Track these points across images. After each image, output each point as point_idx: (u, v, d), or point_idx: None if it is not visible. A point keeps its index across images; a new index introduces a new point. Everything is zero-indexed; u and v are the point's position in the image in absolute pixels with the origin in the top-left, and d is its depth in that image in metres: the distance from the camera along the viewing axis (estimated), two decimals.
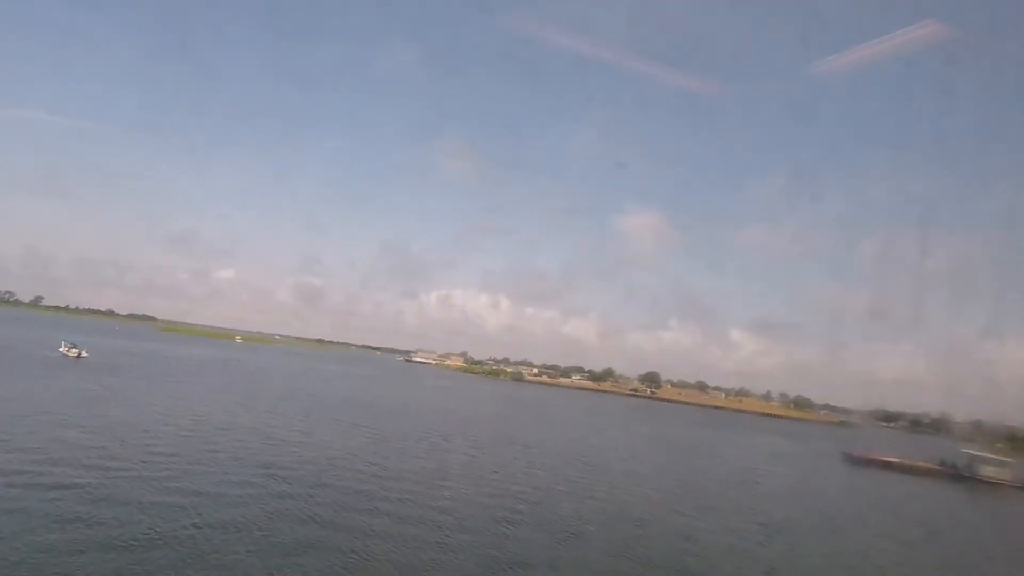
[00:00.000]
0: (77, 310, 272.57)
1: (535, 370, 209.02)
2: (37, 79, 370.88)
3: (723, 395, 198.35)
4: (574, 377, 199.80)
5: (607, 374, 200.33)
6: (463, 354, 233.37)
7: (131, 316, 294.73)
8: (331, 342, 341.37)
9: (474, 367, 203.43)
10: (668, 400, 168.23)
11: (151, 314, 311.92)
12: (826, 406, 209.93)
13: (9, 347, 63.21)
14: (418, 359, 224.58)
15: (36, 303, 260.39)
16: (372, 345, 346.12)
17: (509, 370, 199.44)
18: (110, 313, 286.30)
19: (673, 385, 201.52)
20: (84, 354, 60.69)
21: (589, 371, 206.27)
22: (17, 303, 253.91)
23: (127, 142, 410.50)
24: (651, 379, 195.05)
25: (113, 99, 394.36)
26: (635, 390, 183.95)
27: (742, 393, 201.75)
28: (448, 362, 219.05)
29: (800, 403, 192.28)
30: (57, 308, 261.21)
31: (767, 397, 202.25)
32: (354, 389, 70.03)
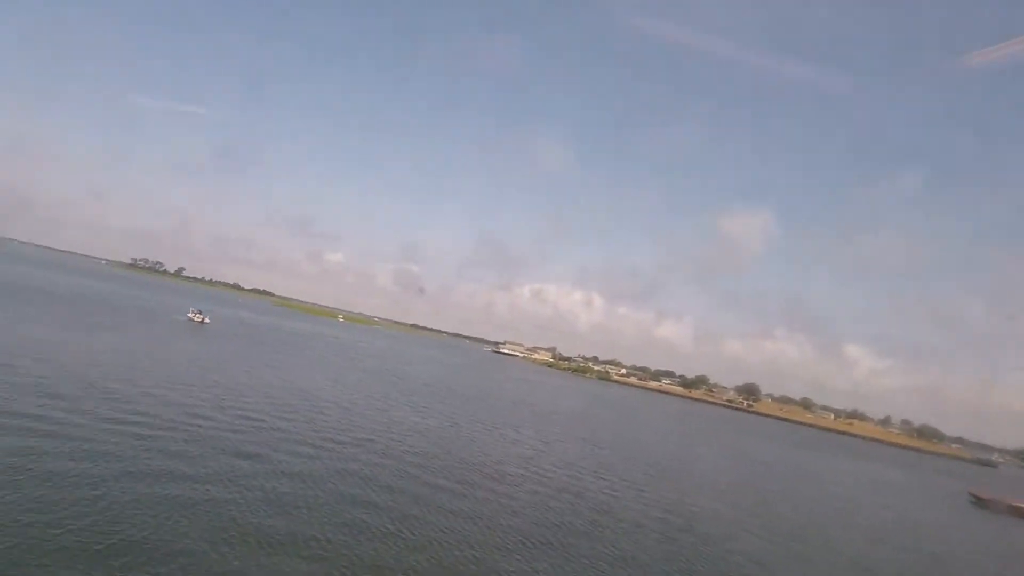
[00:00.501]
0: (210, 282, 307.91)
1: (623, 371, 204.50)
2: (191, 76, 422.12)
3: (832, 415, 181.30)
4: (664, 381, 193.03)
5: (700, 381, 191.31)
6: (551, 349, 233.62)
7: (253, 290, 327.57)
8: (425, 328, 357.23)
9: (560, 363, 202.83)
10: (766, 415, 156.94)
11: (269, 289, 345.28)
12: (959, 439, 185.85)
13: (149, 310, 72.25)
14: (505, 350, 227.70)
15: (179, 273, 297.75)
16: (463, 334, 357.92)
17: (596, 368, 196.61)
18: (235, 286, 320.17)
19: (774, 399, 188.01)
20: (207, 320, 68.04)
21: (680, 376, 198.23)
22: (164, 273, 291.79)
23: (263, 135, 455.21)
24: (749, 390, 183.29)
25: (260, 100, 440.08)
26: (730, 401, 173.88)
27: (855, 415, 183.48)
28: (535, 356, 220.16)
29: (926, 433, 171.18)
30: (195, 279, 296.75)
31: (886, 423, 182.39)
32: (439, 374, 72.21)
